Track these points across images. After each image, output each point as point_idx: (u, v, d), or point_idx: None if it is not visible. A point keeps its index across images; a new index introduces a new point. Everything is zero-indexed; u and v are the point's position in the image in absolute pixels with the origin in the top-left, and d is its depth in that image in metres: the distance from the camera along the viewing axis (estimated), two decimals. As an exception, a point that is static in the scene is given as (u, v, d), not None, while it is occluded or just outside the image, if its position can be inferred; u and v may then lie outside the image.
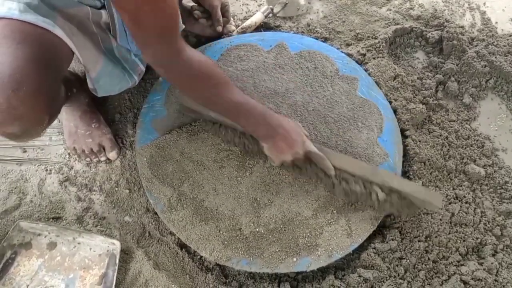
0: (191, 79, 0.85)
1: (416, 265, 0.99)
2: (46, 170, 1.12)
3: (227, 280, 0.98)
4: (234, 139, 1.04)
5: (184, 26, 1.10)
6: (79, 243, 0.99)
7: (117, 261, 0.95)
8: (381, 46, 1.26)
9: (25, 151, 1.15)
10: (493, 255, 1.02)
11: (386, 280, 0.95)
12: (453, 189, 1.09)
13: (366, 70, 1.23)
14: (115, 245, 0.97)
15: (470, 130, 1.19)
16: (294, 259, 0.96)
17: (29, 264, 0.97)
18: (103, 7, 0.86)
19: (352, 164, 1.00)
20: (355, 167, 0.99)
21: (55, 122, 1.19)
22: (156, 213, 1.03)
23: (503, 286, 0.97)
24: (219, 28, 1.26)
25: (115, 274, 0.94)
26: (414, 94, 1.21)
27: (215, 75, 0.87)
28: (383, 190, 0.96)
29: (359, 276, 0.95)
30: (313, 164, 0.99)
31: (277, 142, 0.93)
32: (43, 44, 0.71)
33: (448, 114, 1.20)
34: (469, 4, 1.40)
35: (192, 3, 1.29)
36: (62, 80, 0.95)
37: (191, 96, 0.92)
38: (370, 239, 1.01)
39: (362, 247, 1.00)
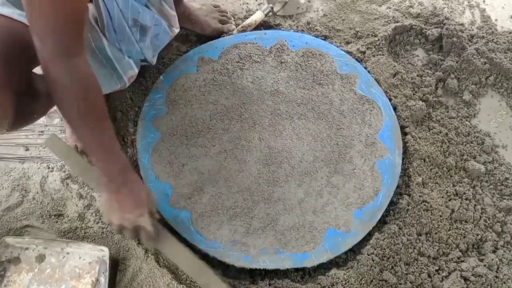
0: (81, 87, 0.74)
1: (416, 261, 0.99)
2: (48, 168, 1.13)
3: (227, 276, 0.99)
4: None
5: (179, 29, 1.08)
6: (68, 253, 0.99)
7: (108, 267, 0.94)
8: (381, 44, 1.27)
9: (27, 149, 1.16)
10: (494, 252, 1.02)
11: (386, 276, 0.95)
12: (453, 185, 1.10)
13: (365, 68, 1.23)
14: (104, 252, 0.96)
15: (470, 127, 1.19)
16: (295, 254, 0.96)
17: (19, 279, 0.96)
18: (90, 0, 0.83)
19: (182, 259, 0.91)
20: (184, 263, 0.91)
21: (57, 120, 1.20)
22: (157, 210, 1.04)
23: (504, 282, 0.98)
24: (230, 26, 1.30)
25: (107, 280, 0.94)
26: (414, 91, 1.21)
27: (102, 97, 0.79)
28: None
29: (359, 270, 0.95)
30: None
31: (115, 199, 0.85)
32: (15, 37, 0.72)
33: (448, 111, 1.21)
34: (468, 2, 1.40)
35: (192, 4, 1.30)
36: None
37: (66, 107, 0.76)
38: (369, 235, 1.01)
39: (361, 243, 1.01)
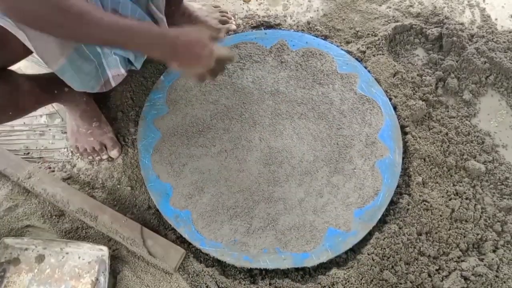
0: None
1: (416, 260, 0.99)
2: (50, 168, 1.13)
3: (227, 276, 0.99)
4: None
5: None
6: (67, 253, 0.98)
7: (108, 267, 0.94)
8: (381, 44, 1.27)
9: (28, 148, 1.16)
10: (494, 251, 1.02)
11: (387, 276, 0.96)
12: (453, 185, 1.10)
13: (366, 67, 1.23)
14: (103, 251, 0.96)
15: (470, 127, 1.19)
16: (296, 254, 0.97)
17: (19, 280, 0.96)
18: None
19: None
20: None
21: (58, 120, 1.21)
22: (158, 210, 1.05)
23: (504, 282, 0.98)
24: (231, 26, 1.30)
25: (107, 279, 0.93)
26: (414, 91, 1.21)
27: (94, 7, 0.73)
28: None
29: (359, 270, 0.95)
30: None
31: (183, 61, 0.85)
32: None
33: (448, 111, 1.21)
34: (468, 1, 1.40)
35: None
36: (47, 78, 0.95)
37: (67, 25, 0.68)
38: (370, 234, 1.02)
39: (362, 243, 1.01)
